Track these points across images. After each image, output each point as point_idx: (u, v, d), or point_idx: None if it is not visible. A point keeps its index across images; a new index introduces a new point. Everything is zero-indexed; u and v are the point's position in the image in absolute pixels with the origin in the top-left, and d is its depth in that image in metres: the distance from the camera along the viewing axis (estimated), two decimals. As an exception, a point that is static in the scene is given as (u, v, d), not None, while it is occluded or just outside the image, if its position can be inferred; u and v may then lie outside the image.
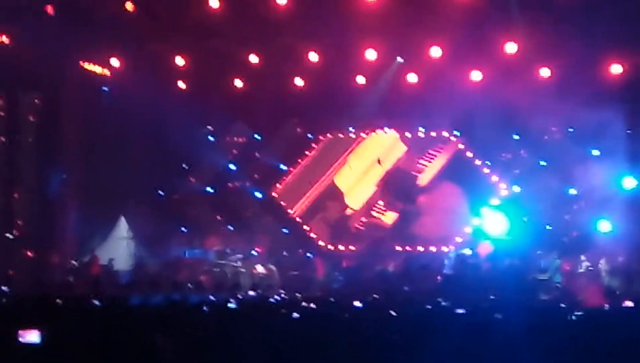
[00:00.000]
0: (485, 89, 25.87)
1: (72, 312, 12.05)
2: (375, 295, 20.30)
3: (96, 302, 14.28)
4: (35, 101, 28.70)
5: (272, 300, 19.13)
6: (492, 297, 19.20)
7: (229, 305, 14.14)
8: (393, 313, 12.76)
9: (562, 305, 16.14)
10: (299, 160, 31.46)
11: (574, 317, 12.50)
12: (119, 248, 29.29)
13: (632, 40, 23.69)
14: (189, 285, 23.06)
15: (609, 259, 23.50)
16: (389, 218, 29.99)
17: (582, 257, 23.94)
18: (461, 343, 8.54)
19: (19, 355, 8.01)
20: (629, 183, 24.16)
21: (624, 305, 16.01)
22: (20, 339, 8.47)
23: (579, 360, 7.68)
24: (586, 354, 7.97)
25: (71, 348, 7.65)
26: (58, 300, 14.54)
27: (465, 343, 8.56)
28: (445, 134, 29.80)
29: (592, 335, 9.62)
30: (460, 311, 14.32)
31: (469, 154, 29.44)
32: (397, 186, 30.18)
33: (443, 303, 16.62)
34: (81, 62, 27.74)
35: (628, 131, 23.23)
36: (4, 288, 21.60)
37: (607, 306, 17.44)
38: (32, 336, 8.53)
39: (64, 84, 27.42)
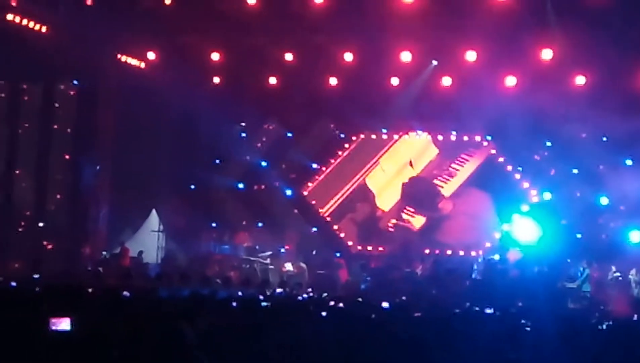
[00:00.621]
0: (519, 95, 25.80)
1: (102, 302, 12.18)
2: (402, 297, 20.37)
3: (125, 293, 14.43)
4: (71, 91, 28.97)
5: (300, 298, 19.23)
6: (519, 304, 19.19)
7: (257, 301, 14.24)
8: (419, 315, 12.81)
9: (590, 314, 16.12)
10: (331, 159, 31.46)
11: (602, 327, 12.48)
12: (150, 240, 29.46)
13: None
14: (217, 280, 23.19)
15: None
16: (419, 221, 29.96)
17: (612, 267, 23.82)
18: (486, 348, 8.55)
19: (50, 343, 8.08)
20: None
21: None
22: (52, 327, 8.54)
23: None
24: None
25: (100, 337, 7.71)
26: (89, 290, 14.73)
27: (490, 348, 8.57)
28: (477, 138, 29.75)
29: (620, 345, 9.58)
30: (487, 315, 14.36)
31: (501, 159, 29.38)
32: (425, 191, 30.15)
33: (470, 308, 16.65)
34: (118, 54, 27.89)
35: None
36: (35, 276, 21.79)
37: (636, 316, 17.42)
38: (63, 324, 8.60)
39: (100, 75, 27.62)
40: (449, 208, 29.60)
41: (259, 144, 31.53)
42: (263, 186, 31.37)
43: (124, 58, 28.14)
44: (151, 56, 27.95)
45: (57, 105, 28.97)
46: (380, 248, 29.99)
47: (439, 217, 29.68)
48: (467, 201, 29.49)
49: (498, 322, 12.46)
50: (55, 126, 28.89)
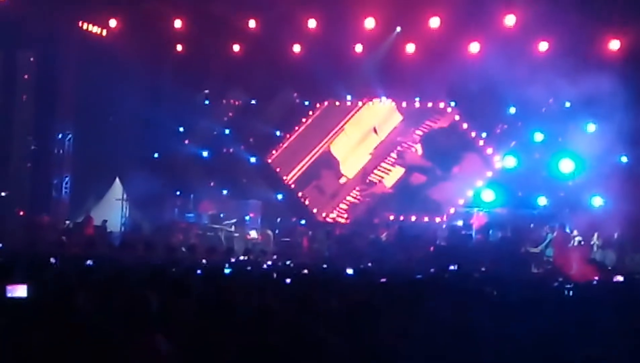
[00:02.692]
0: (482, 61, 25.84)
1: (65, 271, 12.12)
2: (367, 263, 20.47)
3: (89, 262, 14.37)
4: (32, 59, 28.63)
5: (264, 265, 19.26)
6: (483, 269, 19.35)
7: (222, 269, 14.23)
8: (384, 280, 12.86)
9: (553, 279, 16.27)
10: (295, 127, 31.45)
11: (563, 291, 12.60)
12: (114, 209, 29.30)
13: (630, 16, 23.66)
14: (182, 248, 23.16)
15: (601, 234, 23.58)
16: (383, 187, 30.02)
17: (575, 231, 24.03)
18: (450, 313, 8.59)
19: (7, 309, 8.02)
20: (624, 159, 24.21)
21: (614, 279, 16.12)
22: (8, 294, 8.46)
23: (567, 334, 7.73)
24: (575, 328, 8.02)
25: (62, 306, 7.66)
26: (51, 259, 14.65)
27: (453, 313, 8.61)
28: (441, 105, 29.80)
29: (581, 309, 9.67)
30: (451, 280, 14.45)
31: (465, 125, 29.46)
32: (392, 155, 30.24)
33: (434, 273, 16.75)
34: (79, 22, 27.59)
35: (624, 107, 23.15)
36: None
37: (596, 280, 17.62)
38: (19, 291, 8.53)
39: (61, 43, 27.31)
40: (419, 171, 29.64)
41: (223, 112, 31.37)
42: (227, 154, 31.26)
43: (85, 26, 27.85)
44: (113, 23, 27.71)
45: (18, 74, 28.61)
46: (345, 215, 30.07)
47: (406, 182, 29.77)
48: (432, 168, 29.59)
49: (462, 286, 12.53)
50: (17, 95, 28.55)
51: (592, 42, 24.36)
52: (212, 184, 30.55)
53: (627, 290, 12.30)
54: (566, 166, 25.03)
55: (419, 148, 29.94)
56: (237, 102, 31.34)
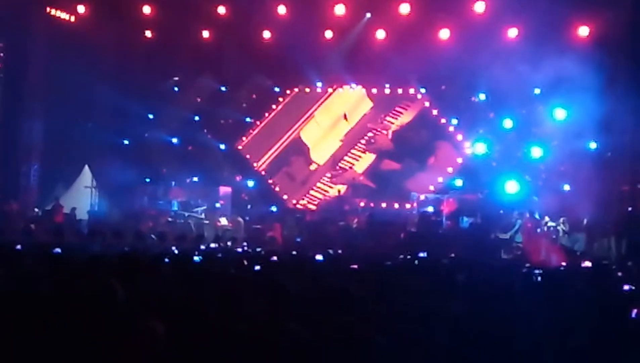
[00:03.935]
0: (452, 47, 25.88)
1: (32, 259, 12.01)
2: (338, 250, 20.46)
3: (57, 250, 14.24)
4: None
5: (234, 251, 19.21)
6: (452, 255, 19.38)
7: (191, 256, 14.17)
8: (355, 267, 12.85)
9: (521, 264, 16.35)
10: (265, 113, 31.39)
11: (532, 276, 12.65)
12: (83, 197, 29.12)
13: (599, 2, 23.76)
14: (151, 235, 23.06)
15: (570, 220, 23.70)
16: (354, 173, 30.03)
17: (546, 217, 24.12)
18: (420, 299, 8.60)
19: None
20: (592, 145, 24.30)
21: (582, 264, 16.22)
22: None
23: (535, 319, 7.75)
24: (543, 313, 8.05)
25: (28, 293, 7.59)
26: (18, 246, 14.53)
27: (423, 299, 8.62)
28: (411, 91, 29.82)
29: (549, 294, 9.71)
30: (421, 266, 14.49)
31: (435, 111, 29.51)
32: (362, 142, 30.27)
33: (404, 259, 16.78)
34: (47, 8, 27.34)
35: (593, 93, 23.25)
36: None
37: (565, 265, 17.72)
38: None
39: (29, 29, 27.05)
40: (389, 158, 29.71)
41: (193, 98, 31.21)
42: (197, 141, 31.15)
43: (53, 12, 27.60)
44: (81, 9, 27.53)
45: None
46: (316, 202, 30.06)
47: (377, 169, 29.80)
48: (402, 154, 29.63)
49: (432, 273, 12.55)
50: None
51: (561, 28, 24.44)
52: (182, 171, 30.39)
53: (595, 275, 12.36)
54: (535, 152, 25.13)
55: (389, 134, 29.97)
56: (207, 89, 31.17)
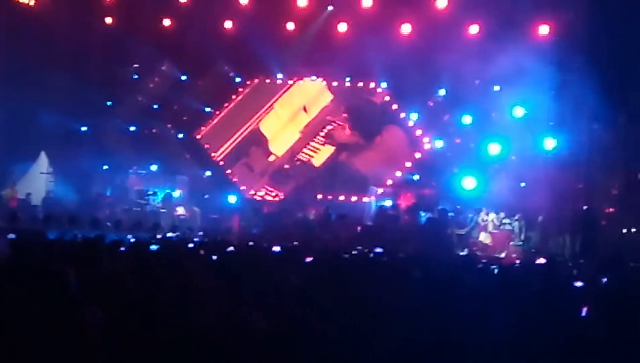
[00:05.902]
0: (413, 42, 25.97)
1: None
2: (295, 242, 20.45)
3: (11, 235, 14.10)
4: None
5: (191, 242, 19.11)
6: (409, 249, 19.45)
7: (147, 245, 14.08)
8: (310, 259, 12.86)
9: (477, 260, 16.42)
10: (225, 103, 31.29)
11: (487, 272, 12.73)
12: (39, 183, 28.83)
13: (560, 1, 23.92)
14: (107, 223, 22.89)
15: (525, 216, 23.86)
16: (312, 166, 30.04)
17: (502, 214, 24.26)
18: (376, 292, 8.63)
19: None
20: (549, 143, 24.43)
21: (537, 261, 16.34)
22: None
23: (490, 314, 7.80)
24: (497, 309, 8.10)
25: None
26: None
27: (380, 292, 8.65)
28: (372, 85, 29.86)
29: (504, 290, 9.77)
30: (376, 260, 14.51)
31: (395, 106, 29.57)
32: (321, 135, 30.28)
33: (359, 252, 16.81)
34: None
35: (552, 91, 23.42)
36: None
37: (520, 261, 17.84)
38: None
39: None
40: (348, 151, 29.74)
41: (152, 87, 31.02)
42: (155, 129, 30.99)
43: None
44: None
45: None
46: (273, 193, 30.03)
47: (336, 161, 29.83)
48: (362, 148, 29.67)
49: (387, 266, 12.59)
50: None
51: (522, 26, 24.56)
52: (139, 159, 30.20)
53: (549, 271, 12.45)
54: (493, 149, 25.26)
55: (347, 126, 30.00)
56: (166, 78, 30.99)
